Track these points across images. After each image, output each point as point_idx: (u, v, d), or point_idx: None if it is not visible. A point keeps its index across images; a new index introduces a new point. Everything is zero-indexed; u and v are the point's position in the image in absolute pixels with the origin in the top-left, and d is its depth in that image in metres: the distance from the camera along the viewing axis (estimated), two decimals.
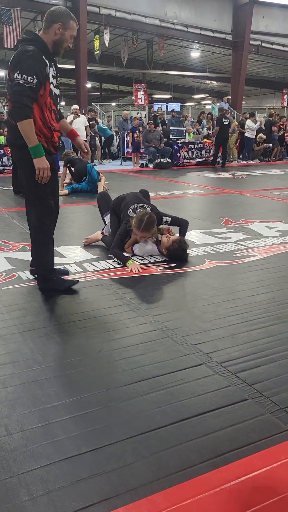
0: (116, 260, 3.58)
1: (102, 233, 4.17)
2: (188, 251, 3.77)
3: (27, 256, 3.79)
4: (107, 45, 16.14)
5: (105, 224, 4.18)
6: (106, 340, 2.31)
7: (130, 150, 13.35)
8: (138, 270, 3.37)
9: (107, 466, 1.44)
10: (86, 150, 3.09)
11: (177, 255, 3.63)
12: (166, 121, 15.01)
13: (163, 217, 3.84)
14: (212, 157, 12.70)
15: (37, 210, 2.85)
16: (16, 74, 2.54)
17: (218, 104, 17.40)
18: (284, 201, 6.70)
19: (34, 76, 2.55)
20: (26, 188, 2.89)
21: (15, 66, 2.57)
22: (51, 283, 2.99)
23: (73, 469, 1.43)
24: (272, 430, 1.60)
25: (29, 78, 2.54)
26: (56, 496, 1.32)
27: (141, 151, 12.62)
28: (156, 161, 12.01)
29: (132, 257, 3.59)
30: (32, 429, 1.62)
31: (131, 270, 3.37)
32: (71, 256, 3.67)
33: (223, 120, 11.97)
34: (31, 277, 3.27)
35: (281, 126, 14.35)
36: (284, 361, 2.07)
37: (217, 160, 12.46)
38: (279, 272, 3.36)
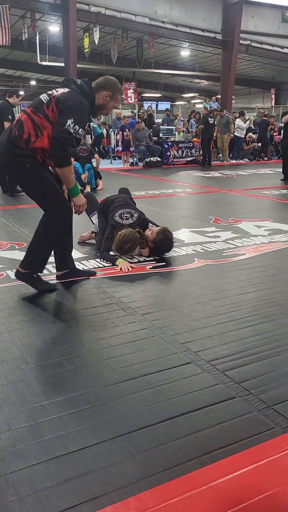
0: (107, 262, 3.54)
1: (93, 231, 4.15)
2: (177, 248, 3.78)
3: (16, 255, 3.78)
4: (96, 43, 16.05)
5: (93, 223, 4.17)
6: (94, 339, 2.30)
7: (120, 148, 13.33)
8: (128, 269, 3.35)
9: (95, 465, 1.43)
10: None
11: (164, 245, 3.61)
12: (154, 119, 14.99)
13: (149, 225, 3.79)
14: (202, 157, 12.73)
15: (53, 215, 2.82)
16: (69, 121, 2.59)
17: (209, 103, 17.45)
18: (273, 200, 6.74)
19: (82, 130, 2.69)
20: (35, 198, 2.88)
21: (70, 113, 2.62)
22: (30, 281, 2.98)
23: (61, 469, 1.42)
24: (260, 428, 1.61)
25: (80, 130, 2.65)
26: (43, 496, 1.32)
27: (131, 149, 12.60)
28: (146, 160, 12.01)
29: (121, 256, 3.57)
30: (19, 428, 1.61)
31: (121, 268, 3.36)
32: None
33: (209, 119, 12.12)
34: None
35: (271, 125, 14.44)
36: (271, 359, 2.08)
37: (206, 159, 12.51)
38: (267, 271, 3.39)
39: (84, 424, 1.63)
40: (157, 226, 3.81)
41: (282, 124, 9.79)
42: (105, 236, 3.65)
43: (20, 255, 3.74)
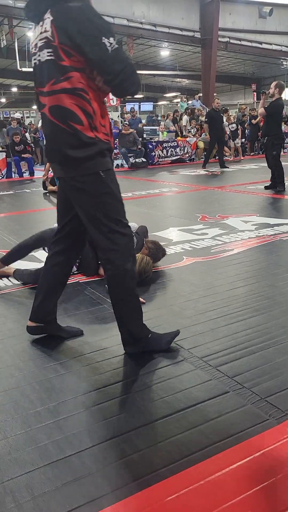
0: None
1: None
2: (165, 247, 3.79)
3: None
4: None
5: None
6: (86, 342, 2.30)
7: None
8: None
9: (92, 468, 1.44)
10: None
11: (158, 255, 3.47)
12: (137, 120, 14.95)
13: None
14: (204, 159, 11.34)
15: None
16: (108, 39, 1.74)
17: (190, 102, 17.47)
18: (259, 194, 6.79)
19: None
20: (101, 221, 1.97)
21: (101, 30, 1.75)
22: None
23: (58, 473, 1.42)
24: (254, 420, 1.62)
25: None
26: (42, 501, 1.32)
27: (115, 151, 12.61)
28: (131, 161, 12.02)
29: None
30: (15, 436, 1.61)
31: None
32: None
33: (213, 114, 10.54)
34: (9, 284, 3.25)
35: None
36: (263, 352, 2.10)
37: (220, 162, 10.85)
38: (255, 265, 3.41)
39: (79, 428, 1.64)
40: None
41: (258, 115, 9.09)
42: None
43: None
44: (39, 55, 1.86)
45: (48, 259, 2.24)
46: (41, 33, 1.83)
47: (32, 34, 1.93)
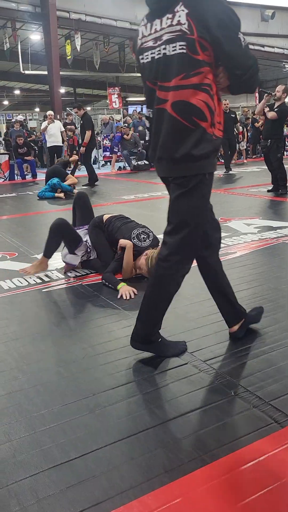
0: (107, 283, 3.13)
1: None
2: None
3: (7, 265, 3.77)
4: (78, 49, 16.12)
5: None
6: (90, 345, 2.30)
7: (108, 153, 13.35)
8: (130, 295, 2.93)
9: (96, 471, 1.44)
10: None
11: None
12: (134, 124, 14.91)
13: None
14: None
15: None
16: (241, 35, 1.76)
17: None
18: (261, 197, 6.79)
19: None
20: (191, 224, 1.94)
21: (236, 25, 1.75)
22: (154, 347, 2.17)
23: (63, 476, 1.42)
24: (258, 424, 1.62)
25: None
26: (46, 505, 1.32)
27: (118, 153, 12.64)
28: (133, 163, 12.04)
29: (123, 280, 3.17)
30: (19, 439, 1.61)
31: (122, 295, 2.94)
32: (52, 263, 3.65)
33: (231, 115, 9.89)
34: (13, 286, 3.25)
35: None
36: (267, 355, 2.10)
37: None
38: (258, 268, 3.41)
39: (83, 431, 1.64)
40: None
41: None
42: (117, 258, 3.24)
43: (11, 265, 3.74)
44: (164, 48, 1.79)
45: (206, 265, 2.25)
46: (169, 26, 1.76)
47: (145, 28, 1.89)
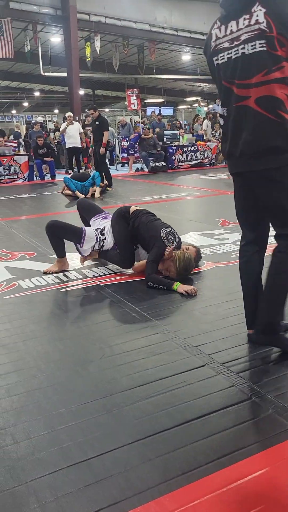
0: (155, 285, 3.08)
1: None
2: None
3: (27, 265, 3.82)
4: (98, 51, 16.20)
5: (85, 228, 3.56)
6: (108, 345, 2.32)
7: (126, 155, 13.38)
8: (195, 292, 2.95)
9: (114, 470, 1.45)
10: None
11: (199, 253, 3.50)
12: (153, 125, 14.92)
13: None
14: None
15: None
16: None
17: (211, 106, 17.41)
18: None
19: None
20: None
21: None
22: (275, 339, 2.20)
23: (81, 475, 1.44)
24: (276, 428, 1.61)
25: None
26: (64, 502, 1.33)
27: (135, 155, 12.66)
28: (151, 165, 12.05)
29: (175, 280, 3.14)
30: (38, 436, 1.63)
31: (186, 292, 2.94)
32: (70, 263, 3.68)
33: None
34: (32, 285, 3.29)
35: None
36: (285, 360, 2.08)
37: None
38: None
39: (101, 430, 1.65)
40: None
41: None
42: (152, 259, 3.18)
43: (30, 265, 3.79)
44: (242, 48, 1.87)
45: (247, 263, 2.27)
46: (247, 26, 1.84)
47: (219, 31, 1.97)
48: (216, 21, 2.03)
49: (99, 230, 3.53)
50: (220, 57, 1.98)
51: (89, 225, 3.76)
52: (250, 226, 2.23)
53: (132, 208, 3.54)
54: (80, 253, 3.49)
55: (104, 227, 3.55)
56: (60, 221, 3.60)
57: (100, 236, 3.50)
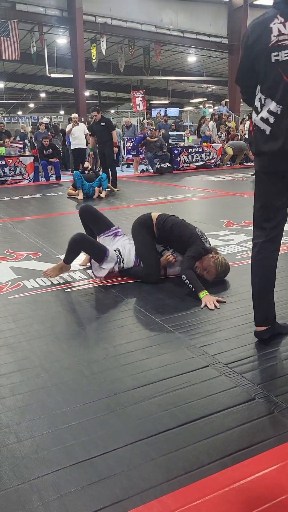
0: (187, 281, 2.95)
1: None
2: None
3: (32, 265, 3.83)
4: (104, 53, 16.25)
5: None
6: (112, 345, 2.32)
7: (131, 156, 13.40)
8: (215, 306, 2.77)
9: (117, 470, 1.45)
10: None
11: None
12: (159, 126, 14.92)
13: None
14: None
15: None
16: None
17: (216, 108, 17.41)
18: None
19: None
20: None
21: None
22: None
23: (84, 474, 1.44)
24: (280, 429, 1.61)
25: None
26: (67, 501, 1.34)
27: (140, 156, 12.68)
28: (156, 166, 12.06)
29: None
30: (42, 435, 1.64)
31: (206, 304, 2.79)
32: (74, 263, 3.70)
33: None
34: (36, 285, 3.31)
35: None
36: None
37: None
38: (282, 272, 3.36)
39: (104, 430, 1.65)
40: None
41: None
42: (191, 255, 3.10)
43: (35, 265, 3.80)
44: None
45: (265, 259, 2.29)
46: None
47: (283, 26, 1.96)
48: (276, 15, 1.98)
49: (117, 251, 3.35)
50: (284, 53, 1.94)
51: (93, 236, 3.56)
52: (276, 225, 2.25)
53: (154, 214, 3.39)
54: (94, 274, 3.33)
55: (118, 248, 3.36)
56: (88, 236, 3.42)
57: (121, 257, 3.34)
